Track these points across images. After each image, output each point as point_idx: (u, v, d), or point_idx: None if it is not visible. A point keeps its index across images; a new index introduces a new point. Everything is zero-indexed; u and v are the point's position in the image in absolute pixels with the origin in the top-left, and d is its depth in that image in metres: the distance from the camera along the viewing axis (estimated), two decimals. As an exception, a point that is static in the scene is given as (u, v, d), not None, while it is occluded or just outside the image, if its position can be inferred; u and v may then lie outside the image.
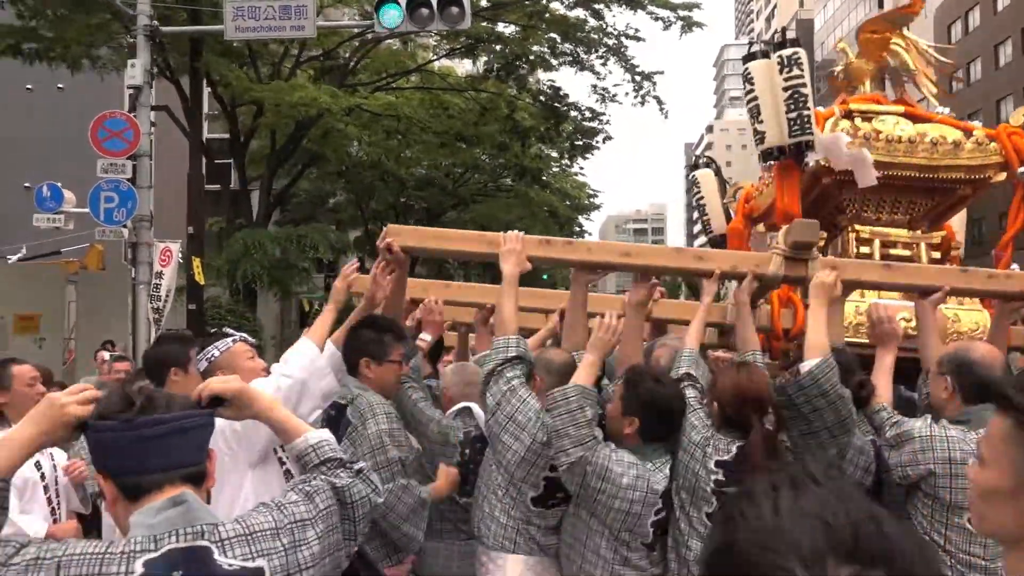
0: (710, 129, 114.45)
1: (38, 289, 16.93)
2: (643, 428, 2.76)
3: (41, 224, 12.64)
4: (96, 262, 21.45)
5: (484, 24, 17.79)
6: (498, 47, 19.35)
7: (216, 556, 1.56)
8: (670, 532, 2.73)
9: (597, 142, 21.47)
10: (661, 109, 18.38)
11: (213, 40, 15.34)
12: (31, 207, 28.13)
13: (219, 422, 2.75)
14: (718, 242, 5.19)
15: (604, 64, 18.49)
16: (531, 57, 19.18)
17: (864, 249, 4.16)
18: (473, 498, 3.03)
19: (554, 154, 25.38)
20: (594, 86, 19.26)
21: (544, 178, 24.63)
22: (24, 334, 17.42)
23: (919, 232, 4.24)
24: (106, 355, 10.84)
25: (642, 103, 17.95)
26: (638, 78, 17.95)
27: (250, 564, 1.59)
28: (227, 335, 3.31)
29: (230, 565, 1.57)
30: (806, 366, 2.76)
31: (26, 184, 28.44)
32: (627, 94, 18.54)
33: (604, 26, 17.51)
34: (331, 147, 18.55)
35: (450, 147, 22.03)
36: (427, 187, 24.99)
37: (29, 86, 28.44)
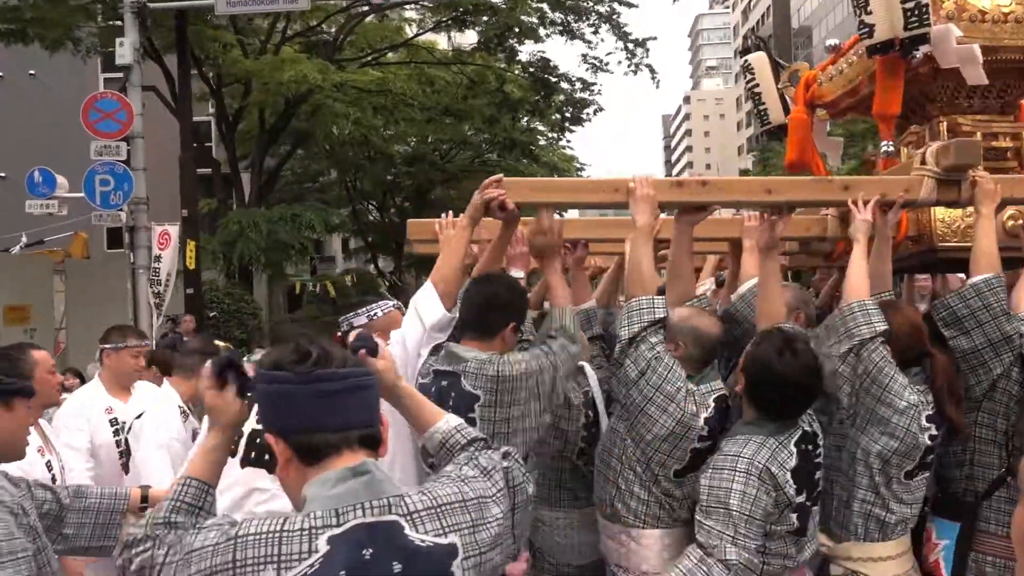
0: (687, 100, 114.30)
1: (26, 280, 16.63)
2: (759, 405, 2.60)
3: (34, 210, 12.31)
4: (81, 250, 21.10)
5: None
6: (486, 18, 19.07)
7: (407, 531, 1.43)
8: (859, 497, 2.62)
9: (587, 114, 21.29)
10: (653, 77, 18.25)
11: (198, 18, 14.98)
12: (9, 195, 27.66)
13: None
14: (775, 133, 4.78)
15: (595, 32, 18.28)
16: (519, 28, 18.91)
17: None
18: (598, 472, 2.80)
19: (542, 127, 25.21)
20: (584, 55, 19.07)
21: (535, 151, 24.38)
22: (14, 325, 17.13)
23: (1016, 120, 3.84)
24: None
25: (635, 71, 17.79)
26: (631, 46, 17.75)
27: (443, 540, 1.46)
28: (386, 298, 3.32)
29: (422, 541, 1.43)
30: (974, 280, 2.71)
31: (1, 174, 27.93)
32: (620, 63, 18.38)
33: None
34: (321, 125, 18.21)
35: (438, 122, 21.75)
36: (416, 163, 24.70)
37: (0, 73, 27.83)
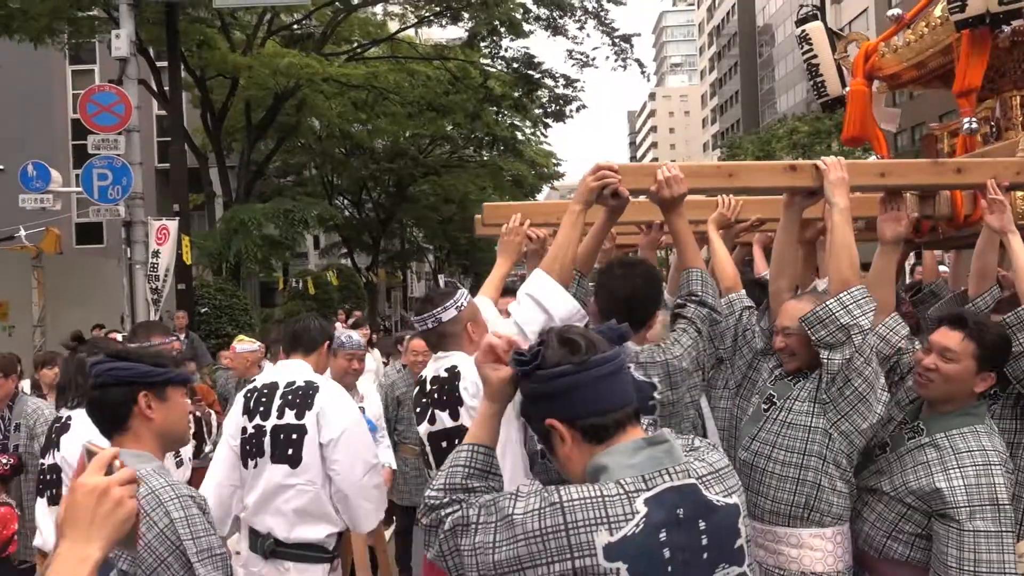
0: (652, 96, 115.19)
1: (2, 276, 16.31)
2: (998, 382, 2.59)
3: (28, 204, 12.05)
4: (53, 246, 20.71)
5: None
6: (467, 15, 19.12)
7: (704, 492, 1.55)
8: None
9: (570, 111, 21.46)
10: (643, 72, 18.44)
11: (184, 12, 14.80)
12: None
13: (467, 375, 2.69)
14: (830, 105, 4.60)
15: (581, 28, 18.44)
16: (505, 23, 18.99)
17: None
18: (776, 477, 2.64)
19: (521, 123, 25.32)
20: (570, 51, 19.21)
21: (519, 147, 24.47)
22: (-8, 322, 16.79)
23: None
24: (119, 336, 10.54)
25: (624, 67, 17.98)
26: (618, 41, 17.93)
27: (729, 500, 1.58)
28: (455, 287, 3.12)
29: (718, 501, 1.56)
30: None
31: (-30, 167, 27.23)
32: (607, 58, 18.53)
33: (583, -11, 17.42)
34: (307, 119, 18.08)
35: (419, 117, 21.74)
36: (397, 158, 24.65)
37: (-39, 65, 27.15)
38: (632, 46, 18.24)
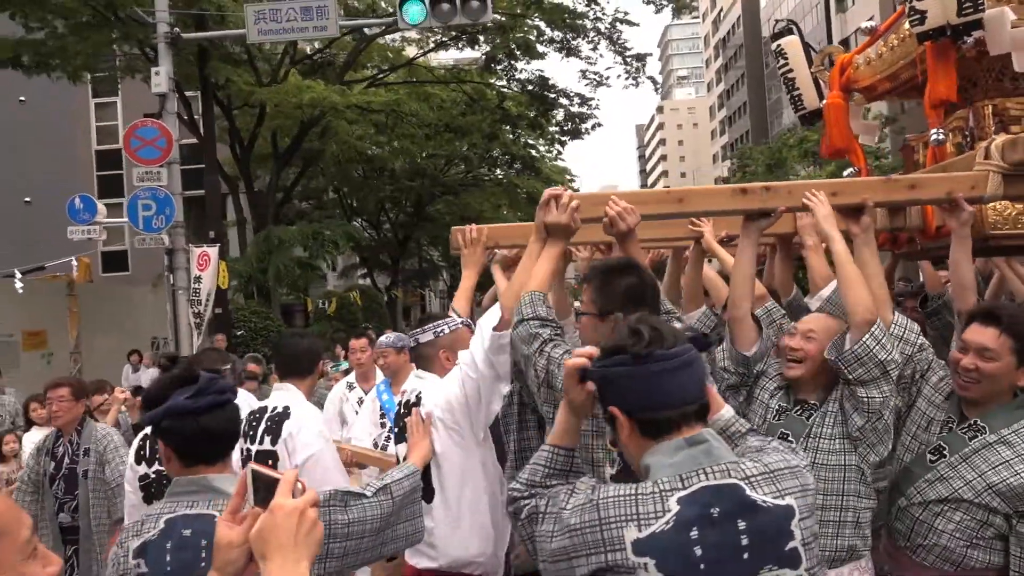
0: (660, 110, 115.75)
1: (39, 305, 16.84)
2: None
3: (75, 236, 12.58)
4: (84, 275, 21.30)
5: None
6: (483, 38, 19.65)
7: (748, 492, 1.57)
8: None
9: (586, 128, 21.94)
10: (656, 89, 18.90)
11: (214, 47, 15.37)
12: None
13: (447, 394, 2.88)
14: (809, 119, 4.58)
15: (594, 49, 18.94)
16: (519, 47, 19.52)
17: (1015, 128, 3.47)
18: (827, 523, 2.51)
19: (535, 141, 25.81)
20: (583, 72, 19.71)
21: (537, 165, 24.99)
22: (33, 350, 17.34)
23: None
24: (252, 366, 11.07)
25: (636, 85, 18.44)
26: (631, 60, 18.41)
27: (780, 502, 1.58)
28: (454, 317, 3.24)
29: (763, 501, 1.57)
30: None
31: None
32: (619, 76, 19.02)
33: (596, 12, 17.93)
34: (331, 145, 18.64)
35: (437, 138, 22.26)
36: (415, 178, 25.20)
37: (-9, 102, 27.89)
38: (645, 64, 18.74)
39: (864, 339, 2.48)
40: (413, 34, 22.22)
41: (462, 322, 3.20)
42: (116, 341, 17.77)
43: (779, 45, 4.68)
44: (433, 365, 3.13)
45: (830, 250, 2.78)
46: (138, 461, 3.22)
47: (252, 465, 1.37)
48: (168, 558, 1.88)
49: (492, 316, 2.73)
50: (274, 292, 17.07)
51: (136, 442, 3.30)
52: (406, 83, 20.95)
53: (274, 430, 3.26)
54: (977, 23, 3.14)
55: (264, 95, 15.66)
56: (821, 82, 4.44)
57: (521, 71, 20.93)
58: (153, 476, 3.22)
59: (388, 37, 20.69)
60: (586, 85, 20.25)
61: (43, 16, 13.47)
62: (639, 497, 1.56)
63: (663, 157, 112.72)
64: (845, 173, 4.35)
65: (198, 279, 12.09)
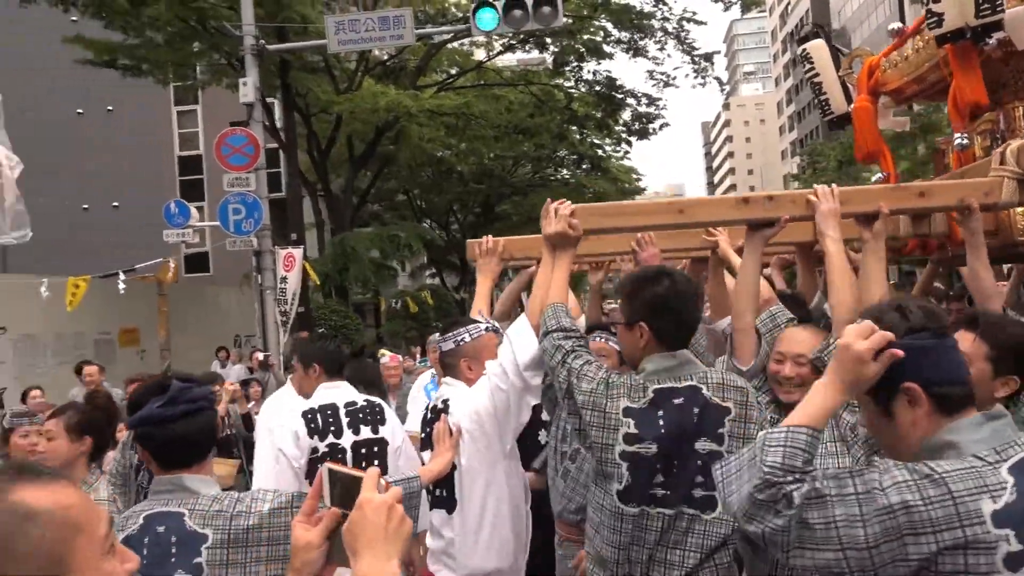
0: (727, 106, 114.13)
1: (132, 305, 17.82)
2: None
3: (170, 239, 13.38)
4: (171, 275, 22.39)
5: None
6: (549, 40, 19.95)
7: None
8: None
9: (653, 128, 22.01)
10: (722, 89, 18.90)
11: (294, 56, 16.06)
12: (94, 224, 28.90)
13: (476, 404, 2.87)
14: (837, 123, 4.49)
15: (661, 49, 19.03)
16: (587, 49, 19.75)
17: None
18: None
19: (598, 141, 25.98)
20: (651, 72, 19.81)
21: (604, 165, 25.18)
22: (128, 347, 18.39)
23: None
24: (260, 355, 11.79)
25: (703, 84, 18.49)
26: (699, 59, 18.46)
27: None
28: (477, 322, 3.18)
29: None
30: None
31: (84, 206, 29.42)
32: (687, 76, 19.08)
33: (664, 12, 18.04)
34: (406, 148, 19.21)
35: (505, 140, 22.67)
36: (484, 179, 25.66)
37: (80, 110, 29.38)
38: (713, 64, 18.78)
39: None
40: (482, 37, 22.70)
41: (486, 328, 3.13)
42: (201, 338, 18.70)
43: (804, 49, 4.60)
44: (457, 373, 3.08)
45: (822, 247, 2.74)
46: (311, 435, 3.27)
47: (328, 464, 1.35)
48: (145, 552, 1.95)
49: (520, 326, 2.75)
50: (350, 292, 17.68)
51: (302, 419, 3.30)
52: (475, 86, 21.41)
53: (372, 419, 3.35)
54: (997, 24, 3.03)
55: (341, 104, 16.25)
56: (849, 85, 4.35)
57: (589, 72, 21.18)
58: (325, 450, 3.27)
59: (457, 41, 21.19)
60: (653, 85, 20.36)
61: (138, 25, 14.30)
62: (978, 470, 1.51)
63: (730, 154, 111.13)
64: (872, 179, 4.25)
65: (284, 279, 12.70)
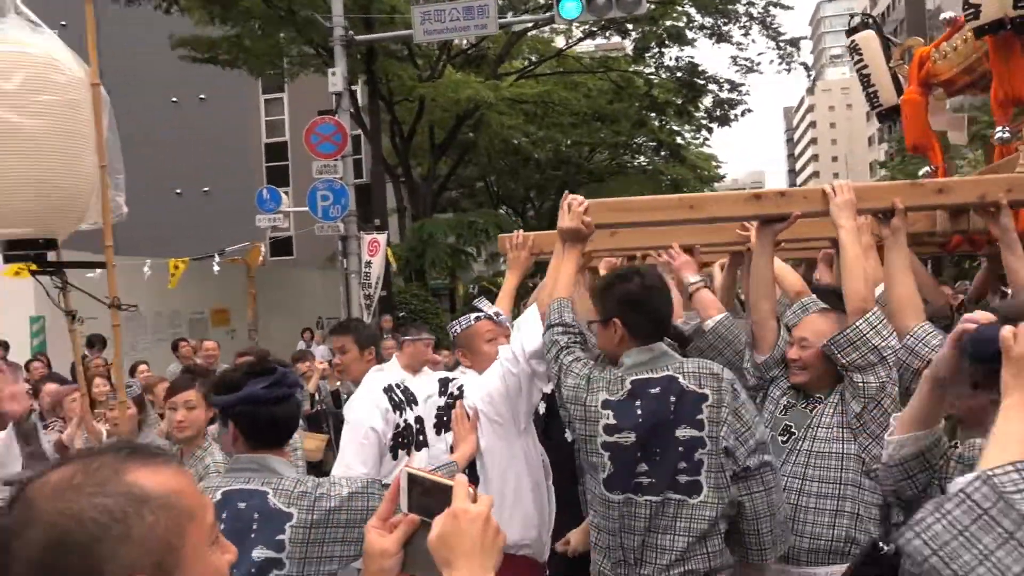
0: (811, 91, 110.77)
1: (223, 286, 18.61)
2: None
3: (262, 223, 13.95)
4: (257, 259, 23.27)
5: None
6: (631, 26, 19.83)
7: None
8: None
9: (735, 115, 21.68)
10: (808, 75, 18.49)
11: (379, 45, 16.45)
12: (186, 209, 30.08)
13: (488, 387, 2.98)
14: (887, 115, 4.41)
15: (746, 35, 18.72)
16: (666, 34, 19.57)
17: None
18: (809, 512, 2.62)
19: (677, 128, 25.70)
20: (734, 58, 19.50)
21: (683, 152, 24.93)
22: (220, 327, 19.25)
23: None
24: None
25: (788, 70, 18.12)
26: (784, 45, 18.09)
27: None
28: (476, 310, 3.30)
29: None
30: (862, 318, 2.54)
31: (177, 191, 30.68)
32: (771, 62, 18.73)
33: (750, -4, 17.74)
34: (486, 136, 19.44)
35: (583, 127, 22.69)
36: (562, 166, 25.73)
37: (174, 99, 30.60)
38: (799, 50, 18.38)
39: (857, 324, 2.53)
40: (562, 25, 22.72)
41: (476, 317, 3.26)
42: (287, 319, 19.43)
43: (854, 40, 4.55)
44: (464, 361, 3.31)
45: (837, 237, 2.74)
46: (395, 410, 3.40)
47: (408, 468, 1.28)
48: (222, 527, 2.04)
49: (529, 316, 2.86)
50: (427, 277, 18.04)
51: (383, 395, 3.40)
52: (554, 73, 21.46)
53: (412, 400, 3.55)
54: None
55: (424, 90, 16.54)
56: (900, 77, 4.26)
57: (670, 59, 20.99)
58: (403, 426, 3.41)
59: (538, 28, 21.26)
60: (736, 71, 20.01)
61: (234, 15, 14.88)
62: None
63: (813, 140, 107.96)
64: (920, 172, 4.20)
65: (368, 264, 13.09)
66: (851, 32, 4.60)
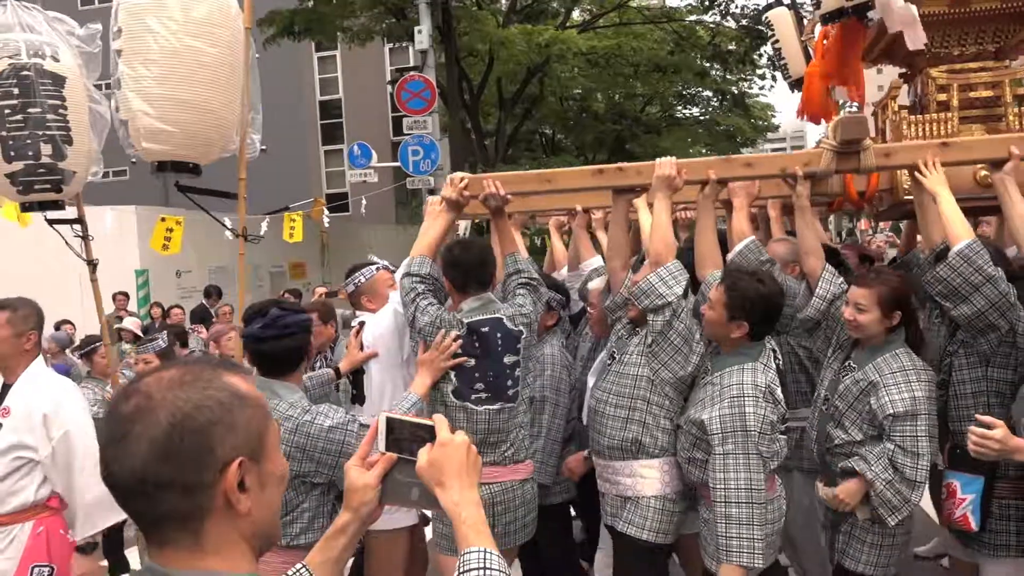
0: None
1: (297, 241, 19.24)
2: (753, 330, 2.98)
3: (353, 179, 14.45)
4: (320, 214, 23.86)
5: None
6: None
7: None
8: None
9: (799, 61, 21.43)
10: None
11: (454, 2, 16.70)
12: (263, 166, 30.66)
13: (386, 321, 3.59)
14: (797, 84, 4.66)
15: (812, -19, 18.48)
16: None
17: (942, 97, 3.71)
18: (610, 418, 3.29)
19: (734, 77, 25.47)
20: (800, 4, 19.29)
21: (748, 103, 24.79)
22: (297, 279, 19.94)
23: (1005, 67, 3.74)
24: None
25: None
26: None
27: None
28: (372, 263, 3.83)
29: None
30: (957, 248, 2.91)
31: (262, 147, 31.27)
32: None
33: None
34: (552, 88, 19.59)
35: (645, 78, 22.68)
36: (620, 119, 25.80)
37: (230, 59, 30.96)
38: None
39: (649, 277, 3.14)
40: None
41: (377, 268, 3.82)
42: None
43: (767, 18, 4.97)
44: (361, 307, 3.82)
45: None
46: None
47: (386, 412, 1.45)
48: None
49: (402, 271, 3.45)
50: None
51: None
52: (615, 25, 21.46)
53: None
54: (868, 4, 3.17)
55: (507, 35, 16.67)
56: (811, 49, 4.55)
57: (737, 7, 20.80)
58: None
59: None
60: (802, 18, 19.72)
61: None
62: None
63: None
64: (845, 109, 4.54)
65: (455, 216, 13.48)
66: (766, 9, 4.90)
